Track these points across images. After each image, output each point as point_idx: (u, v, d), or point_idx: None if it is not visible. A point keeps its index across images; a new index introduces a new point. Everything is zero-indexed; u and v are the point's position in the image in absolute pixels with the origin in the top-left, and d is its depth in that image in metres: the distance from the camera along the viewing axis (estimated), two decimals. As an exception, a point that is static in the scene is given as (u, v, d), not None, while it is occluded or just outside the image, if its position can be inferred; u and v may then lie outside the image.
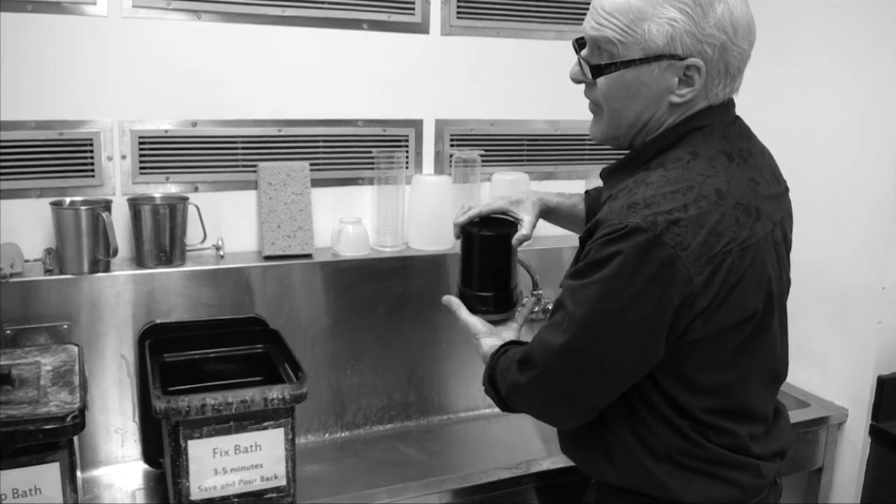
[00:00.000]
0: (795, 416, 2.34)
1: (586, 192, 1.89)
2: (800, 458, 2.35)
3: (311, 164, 2.45)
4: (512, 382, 1.51)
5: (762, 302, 1.39)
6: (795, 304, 2.47)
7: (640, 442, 1.45)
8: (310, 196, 2.42)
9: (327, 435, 2.46)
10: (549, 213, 1.86)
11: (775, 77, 2.54)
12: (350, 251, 2.44)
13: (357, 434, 2.48)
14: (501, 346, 1.64)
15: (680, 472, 1.44)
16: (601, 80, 1.41)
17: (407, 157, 2.58)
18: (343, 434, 2.47)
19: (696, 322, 1.33)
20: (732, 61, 1.37)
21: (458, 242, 1.79)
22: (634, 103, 1.41)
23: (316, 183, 2.46)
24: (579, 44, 1.46)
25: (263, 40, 2.35)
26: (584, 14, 1.43)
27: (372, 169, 2.54)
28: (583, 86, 1.49)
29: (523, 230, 1.75)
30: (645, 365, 1.38)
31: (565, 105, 2.72)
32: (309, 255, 2.40)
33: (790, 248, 1.56)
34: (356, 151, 2.52)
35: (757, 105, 2.60)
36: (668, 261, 1.27)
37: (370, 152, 2.53)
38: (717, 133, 1.41)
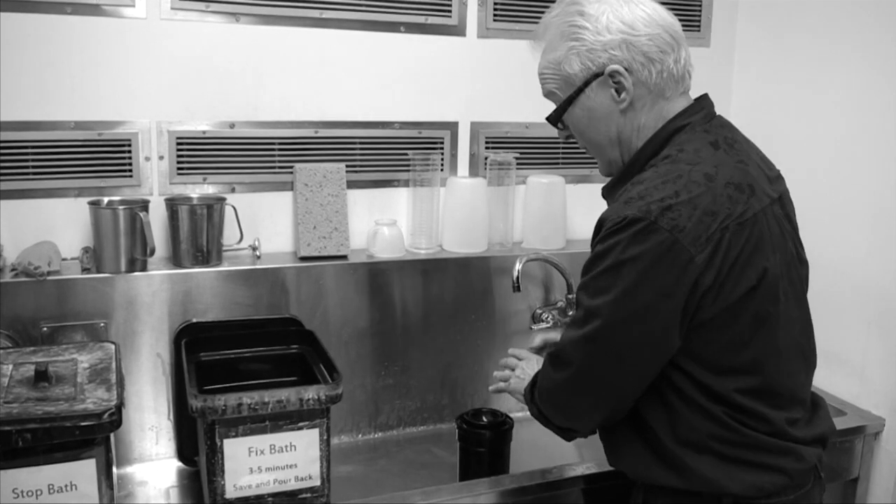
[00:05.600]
0: (832, 424, 2.32)
1: None
2: (836, 467, 2.32)
3: (347, 166, 2.45)
4: (542, 386, 1.60)
5: (767, 272, 1.44)
6: (832, 311, 2.47)
7: (680, 438, 1.48)
8: (345, 197, 2.43)
9: (360, 436, 2.46)
10: None
11: (805, 79, 2.52)
12: (385, 253, 2.44)
13: (390, 435, 2.48)
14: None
15: (722, 464, 1.47)
16: (569, 124, 1.60)
17: (442, 159, 2.58)
18: (376, 435, 2.47)
19: (706, 300, 1.39)
20: (647, 47, 1.49)
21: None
22: (596, 127, 1.56)
23: (352, 184, 2.47)
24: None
25: (301, 42, 2.36)
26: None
27: (407, 171, 2.54)
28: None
29: None
30: (662, 350, 1.43)
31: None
32: (344, 257, 2.40)
33: (796, 227, 1.63)
34: (392, 153, 2.53)
35: (788, 106, 2.59)
36: (666, 244, 1.35)
37: (406, 154, 2.53)
38: (698, 128, 1.52)
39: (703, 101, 1.58)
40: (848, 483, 2.38)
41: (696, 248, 1.35)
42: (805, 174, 2.57)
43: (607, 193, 1.62)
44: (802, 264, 1.61)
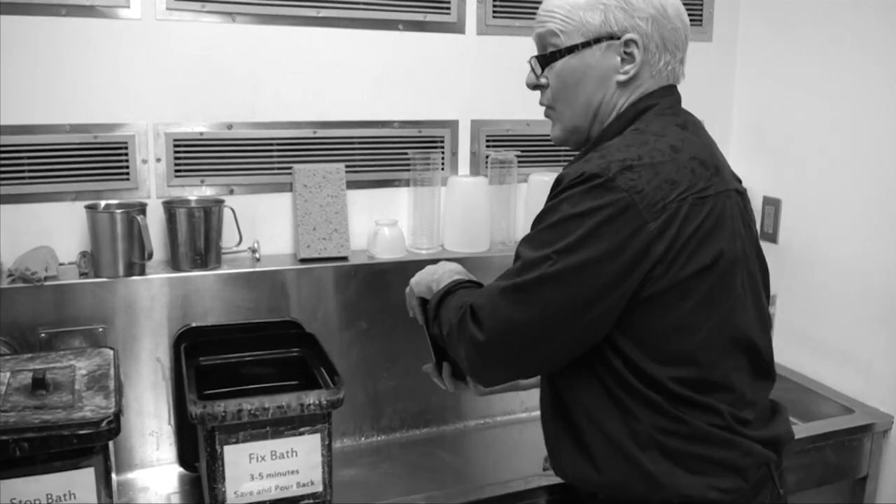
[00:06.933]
0: (839, 422, 2.30)
1: None
2: (844, 465, 2.30)
3: (347, 166, 2.43)
4: (462, 333, 1.45)
5: (723, 254, 1.38)
6: (840, 309, 2.46)
7: (624, 426, 1.41)
8: (345, 198, 2.41)
9: (363, 439, 2.43)
10: None
11: (809, 73, 2.50)
12: (386, 253, 2.42)
13: (393, 438, 2.46)
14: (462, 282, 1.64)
15: (666, 460, 1.40)
16: (551, 75, 1.52)
17: (443, 158, 2.56)
18: (379, 438, 2.45)
19: (656, 271, 1.33)
20: (668, 35, 1.47)
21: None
22: (584, 87, 1.50)
23: (351, 185, 2.45)
24: (534, 57, 1.57)
25: (298, 42, 2.34)
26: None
27: (408, 170, 2.52)
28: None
29: None
30: (593, 316, 1.34)
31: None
32: (345, 258, 2.38)
33: (755, 228, 1.58)
34: (392, 153, 2.50)
35: (792, 101, 2.57)
36: (620, 204, 1.31)
37: (406, 154, 2.51)
38: (667, 111, 1.49)
39: (671, 88, 1.54)
40: (857, 482, 2.36)
41: (650, 214, 1.31)
42: (810, 170, 2.56)
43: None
44: (762, 265, 1.57)
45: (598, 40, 1.46)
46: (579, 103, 1.52)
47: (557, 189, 1.39)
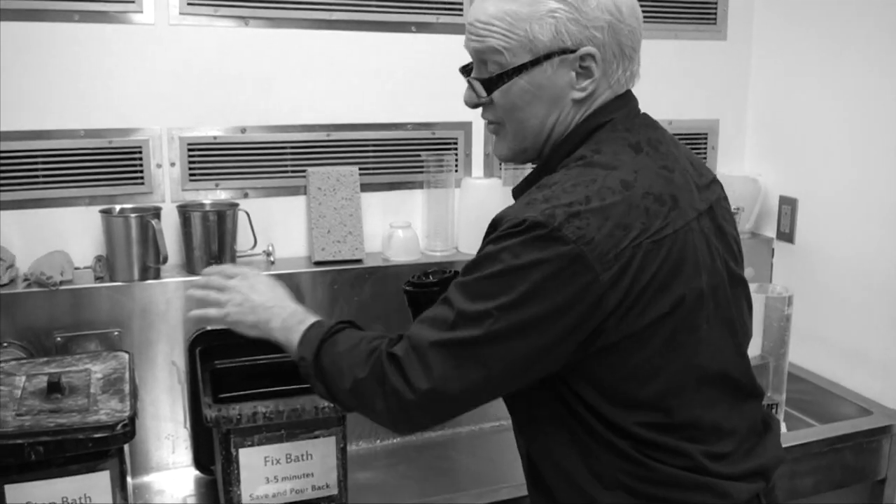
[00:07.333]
0: (857, 424, 2.28)
1: None
2: (863, 468, 2.28)
3: (361, 169, 2.43)
4: (381, 386, 1.28)
5: (685, 299, 1.25)
6: (856, 310, 2.44)
7: (586, 468, 1.31)
8: (359, 201, 2.40)
9: (379, 441, 2.43)
10: None
11: (825, 70, 2.48)
12: (400, 256, 2.42)
13: (409, 440, 2.45)
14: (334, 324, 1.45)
15: (634, 500, 1.29)
16: (497, 95, 1.33)
17: (456, 160, 2.55)
18: (394, 440, 2.44)
19: (608, 323, 1.20)
20: (625, 41, 1.30)
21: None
22: (536, 109, 1.32)
23: (365, 187, 2.44)
24: (467, 70, 1.40)
25: (311, 45, 2.34)
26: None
27: (421, 172, 2.52)
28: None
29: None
30: (534, 372, 1.25)
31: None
32: (359, 261, 2.38)
33: (733, 239, 1.42)
34: (405, 155, 2.50)
35: (807, 99, 2.55)
36: (568, 256, 1.16)
37: (419, 156, 2.50)
38: (620, 127, 1.32)
39: (626, 97, 1.37)
40: (875, 484, 2.35)
41: (601, 266, 1.16)
42: (826, 169, 2.54)
43: (518, 194, 1.39)
44: (737, 283, 1.39)
45: (548, 56, 1.28)
46: (531, 126, 1.34)
47: (496, 234, 1.23)
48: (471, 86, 1.37)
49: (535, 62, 1.28)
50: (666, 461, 1.28)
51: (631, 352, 1.24)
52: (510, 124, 1.36)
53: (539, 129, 1.34)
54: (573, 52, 1.27)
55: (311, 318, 1.46)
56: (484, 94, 1.34)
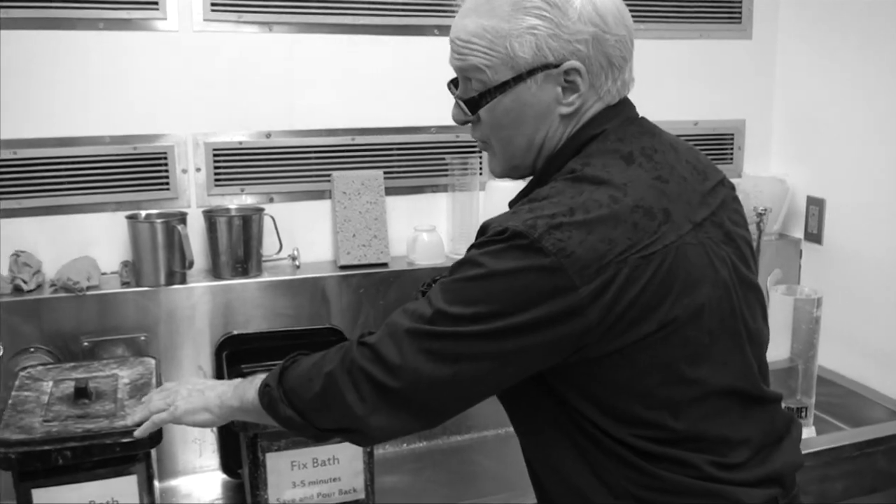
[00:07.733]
0: (889, 428, 2.24)
1: None
2: (895, 473, 2.25)
3: (385, 173, 2.43)
4: (353, 375, 1.26)
5: (675, 318, 1.20)
6: (885, 310, 2.41)
7: (595, 478, 1.28)
8: (384, 204, 2.41)
9: (405, 445, 2.43)
10: None
11: (851, 69, 2.46)
12: (425, 259, 2.41)
13: (435, 444, 2.45)
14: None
15: None
16: (483, 113, 1.31)
17: (481, 162, 2.55)
18: (421, 444, 2.44)
19: (588, 339, 1.16)
20: (612, 52, 1.26)
21: None
22: (522, 127, 1.30)
23: (390, 191, 2.45)
24: (455, 84, 1.38)
25: (335, 49, 2.34)
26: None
27: (446, 176, 2.51)
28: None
29: None
30: (501, 379, 1.24)
31: (640, 103, 2.66)
32: (384, 264, 2.38)
33: (745, 244, 1.37)
34: (430, 158, 2.50)
35: (833, 98, 2.53)
36: (547, 268, 1.13)
37: (444, 159, 2.50)
38: (612, 137, 1.29)
39: (619, 106, 1.33)
40: (909, 490, 2.32)
41: (581, 278, 1.13)
42: (853, 170, 2.52)
43: (511, 207, 1.37)
44: (749, 288, 1.34)
45: (531, 72, 1.25)
46: (518, 143, 1.32)
47: (480, 239, 1.23)
48: (457, 103, 1.35)
49: (518, 79, 1.26)
50: (673, 470, 1.25)
51: (617, 368, 1.21)
52: (497, 142, 1.34)
53: (527, 146, 1.32)
54: (556, 66, 1.24)
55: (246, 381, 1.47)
56: (469, 113, 1.32)
